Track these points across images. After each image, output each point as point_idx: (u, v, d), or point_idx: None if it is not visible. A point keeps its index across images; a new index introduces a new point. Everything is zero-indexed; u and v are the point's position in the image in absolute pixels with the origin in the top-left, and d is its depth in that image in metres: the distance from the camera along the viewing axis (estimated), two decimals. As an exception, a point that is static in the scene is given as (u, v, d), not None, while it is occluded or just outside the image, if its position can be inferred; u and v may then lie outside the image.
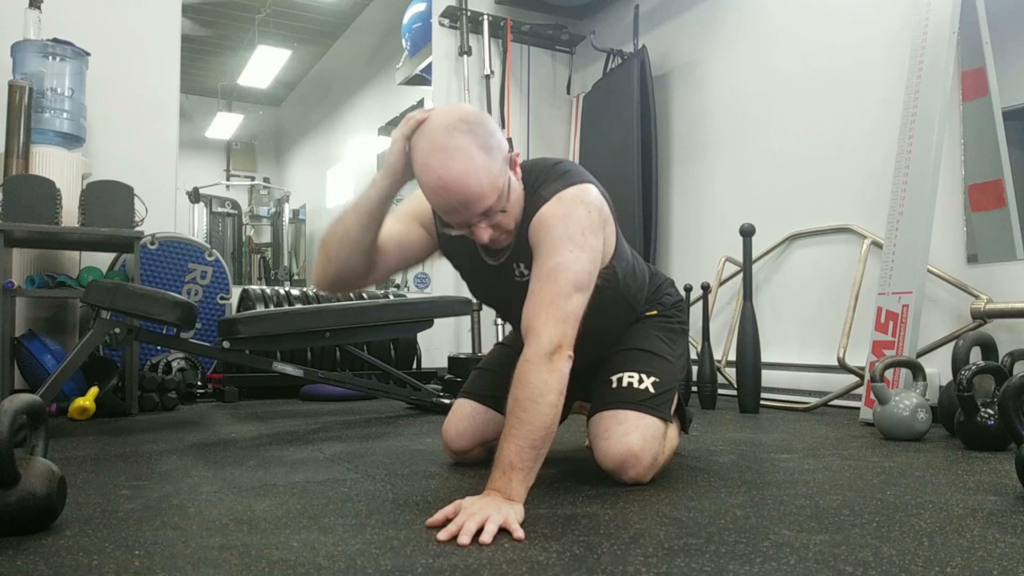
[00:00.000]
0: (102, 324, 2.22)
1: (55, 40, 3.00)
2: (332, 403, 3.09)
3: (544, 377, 1.19)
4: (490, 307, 1.71)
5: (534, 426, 1.18)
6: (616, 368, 1.54)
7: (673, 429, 1.59)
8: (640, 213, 3.64)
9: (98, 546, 1.04)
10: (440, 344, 4.05)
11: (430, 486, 1.46)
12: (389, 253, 1.45)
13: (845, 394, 2.75)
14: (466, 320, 3.92)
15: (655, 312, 1.65)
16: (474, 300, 3.70)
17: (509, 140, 1.42)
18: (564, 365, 1.21)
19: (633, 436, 1.42)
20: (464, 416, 1.66)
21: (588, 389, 1.58)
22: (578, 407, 1.74)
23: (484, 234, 1.28)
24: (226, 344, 2.33)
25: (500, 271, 1.44)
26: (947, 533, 1.10)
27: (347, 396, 3.14)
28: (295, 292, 3.64)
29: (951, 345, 2.19)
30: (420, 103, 4.89)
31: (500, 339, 2.07)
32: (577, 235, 1.28)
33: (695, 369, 3.00)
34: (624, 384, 1.50)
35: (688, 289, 3.18)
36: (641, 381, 1.50)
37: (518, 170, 1.34)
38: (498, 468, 1.18)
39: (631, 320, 1.63)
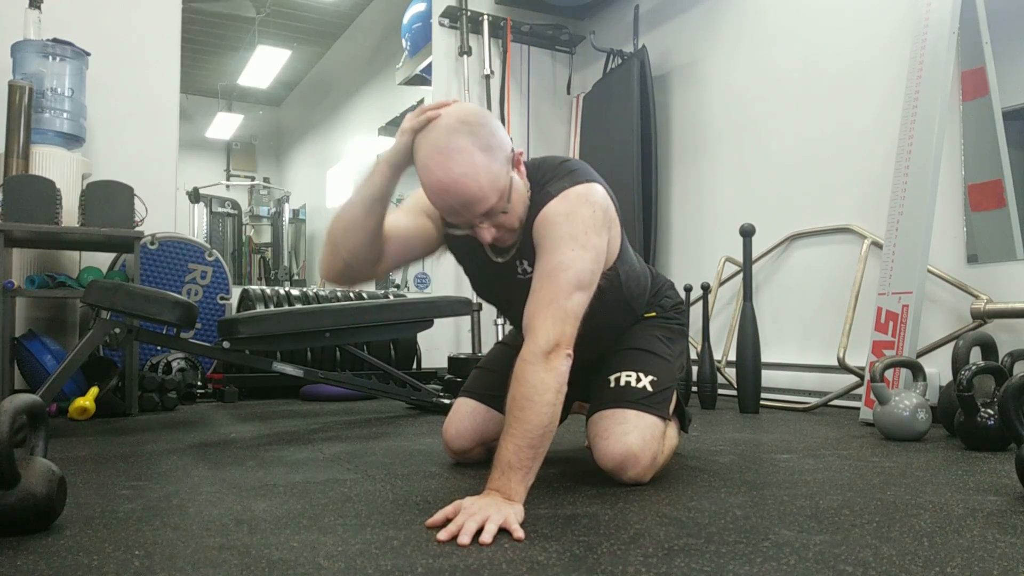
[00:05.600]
0: (102, 324, 2.22)
1: (55, 40, 3.00)
2: (332, 403, 3.09)
3: (541, 376, 1.19)
4: (492, 304, 1.71)
5: (531, 425, 1.17)
6: (614, 368, 1.54)
7: (672, 428, 1.59)
8: (640, 213, 3.64)
9: (98, 546, 1.04)
10: (440, 344, 4.05)
11: (430, 486, 1.46)
12: (396, 244, 1.42)
13: (845, 394, 2.75)
14: (466, 320, 3.92)
15: (654, 314, 1.65)
16: (476, 299, 3.71)
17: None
18: (562, 364, 1.21)
19: (632, 436, 1.42)
20: (464, 416, 1.66)
21: (587, 389, 1.58)
22: (578, 407, 1.74)
23: (487, 234, 1.27)
24: (226, 344, 2.33)
25: (504, 268, 1.43)
26: (947, 533, 1.10)
27: (347, 396, 3.14)
28: (295, 292, 3.64)
29: (951, 345, 2.19)
30: (420, 103, 4.89)
31: (500, 338, 2.08)
32: (580, 234, 1.27)
33: (695, 369, 3.00)
34: (622, 383, 1.50)
35: (688, 289, 3.18)
36: (639, 380, 1.50)
37: (522, 168, 1.33)
38: (497, 468, 1.18)
39: (631, 322, 1.63)
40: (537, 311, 1.24)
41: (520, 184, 1.32)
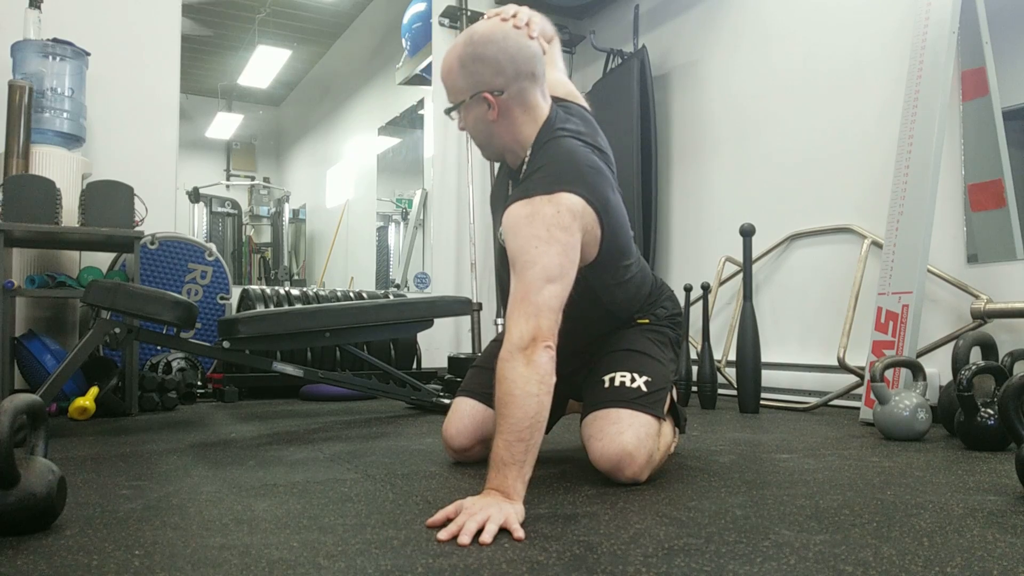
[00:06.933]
0: (102, 324, 2.22)
1: (55, 40, 3.00)
2: (332, 403, 3.09)
3: (520, 371, 1.20)
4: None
5: (516, 419, 1.18)
6: (607, 369, 1.55)
7: (667, 427, 1.59)
8: (640, 213, 3.64)
9: (98, 546, 1.04)
10: (440, 344, 4.05)
11: (430, 486, 1.46)
12: None
13: (845, 394, 2.75)
14: (466, 320, 3.92)
15: (647, 321, 1.65)
16: (476, 299, 3.70)
17: (558, 101, 1.56)
18: (541, 356, 1.22)
19: (627, 435, 1.42)
20: (463, 414, 1.67)
21: (580, 389, 1.59)
22: (575, 407, 1.74)
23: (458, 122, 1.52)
24: (226, 344, 2.33)
25: (500, 215, 1.55)
26: (947, 533, 1.10)
27: (347, 396, 3.14)
28: (295, 292, 3.64)
29: (951, 345, 2.19)
30: (420, 103, 4.90)
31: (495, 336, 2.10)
32: (542, 232, 1.30)
33: (695, 369, 3.00)
34: (616, 383, 1.51)
35: (688, 289, 3.18)
36: (633, 380, 1.50)
37: (495, 114, 1.43)
38: (493, 467, 1.19)
39: (613, 325, 1.63)
40: (511, 310, 1.28)
41: (488, 122, 1.45)
